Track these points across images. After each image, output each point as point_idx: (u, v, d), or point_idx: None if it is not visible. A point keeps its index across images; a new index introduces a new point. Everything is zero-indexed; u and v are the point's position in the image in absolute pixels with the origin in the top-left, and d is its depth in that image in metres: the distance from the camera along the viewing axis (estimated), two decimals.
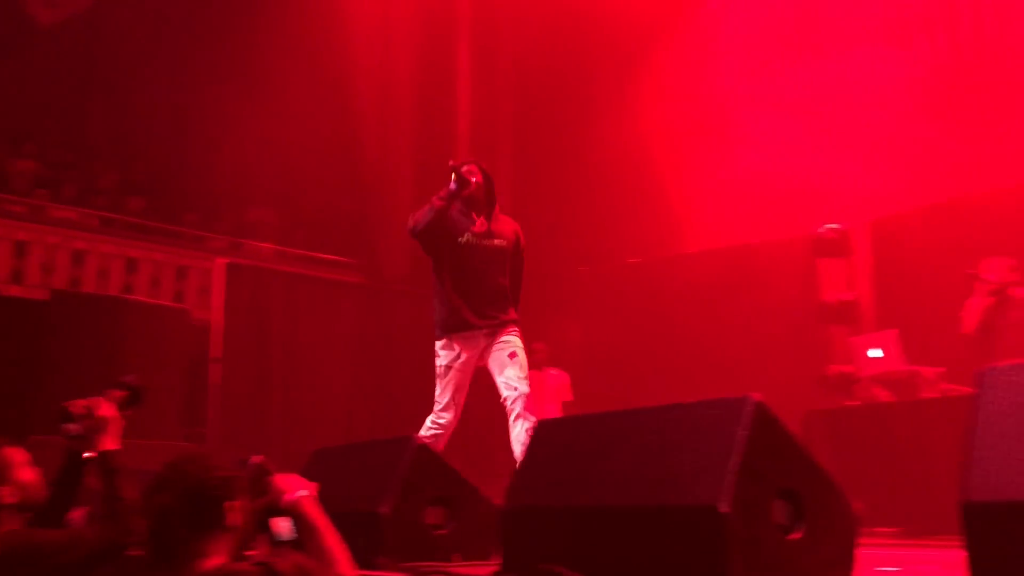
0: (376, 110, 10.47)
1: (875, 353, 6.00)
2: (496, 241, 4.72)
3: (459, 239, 4.64)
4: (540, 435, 3.25)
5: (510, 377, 4.55)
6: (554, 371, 8.05)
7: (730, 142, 9.06)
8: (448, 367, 4.60)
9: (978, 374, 2.13)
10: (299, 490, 2.19)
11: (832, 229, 7.94)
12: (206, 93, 11.16)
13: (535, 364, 8.10)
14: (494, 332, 4.64)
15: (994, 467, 1.88)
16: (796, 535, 2.42)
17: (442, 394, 4.60)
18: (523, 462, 3.22)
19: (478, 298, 4.63)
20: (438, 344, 4.65)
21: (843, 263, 8.03)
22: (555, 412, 7.69)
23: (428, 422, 4.61)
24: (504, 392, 4.54)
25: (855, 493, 2.65)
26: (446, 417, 4.57)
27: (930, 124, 7.76)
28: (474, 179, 4.62)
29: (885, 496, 5.25)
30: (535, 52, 10.44)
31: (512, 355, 4.60)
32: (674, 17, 9.64)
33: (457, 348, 4.60)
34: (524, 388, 4.53)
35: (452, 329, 4.61)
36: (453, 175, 4.55)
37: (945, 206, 7.54)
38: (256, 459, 4.33)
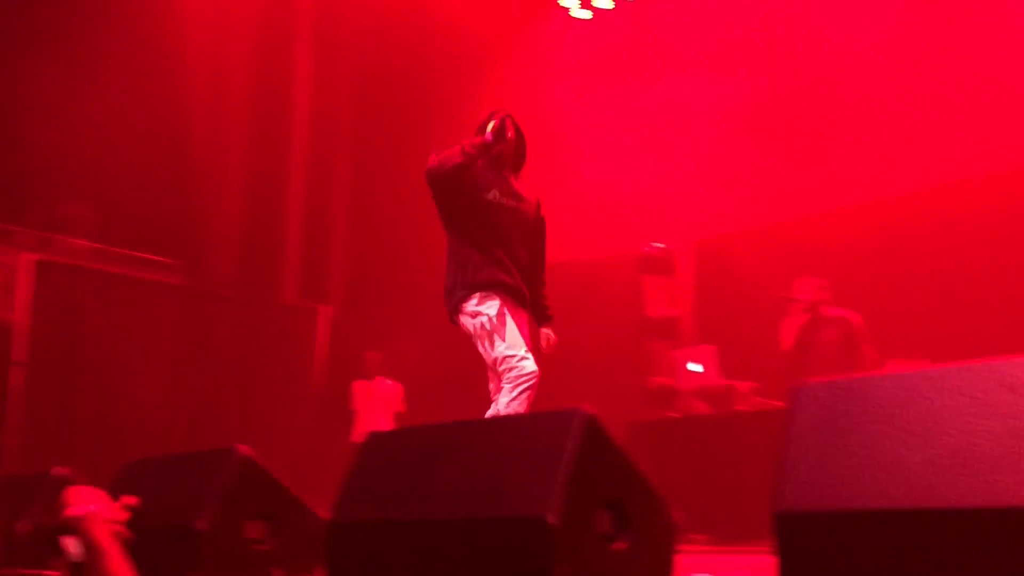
0: (208, 106, 10.05)
1: (694, 367, 6.27)
2: (522, 205, 4.19)
3: (486, 195, 4.07)
4: (370, 446, 3.18)
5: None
6: (387, 381, 7.97)
7: (565, 159, 9.28)
8: (501, 313, 3.88)
9: (791, 390, 2.24)
10: (85, 504, 1.99)
11: (657, 248, 8.25)
12: (14, 69, 10.37)
13: (366, 373, 8.01)
14: (517, 301, 4.05)
15: (804, 479, 1.98)
16: (620, 545, 2.47)
17: (512, 343, 3.83)
18: (351, 474, 3.15)
19: (504, 261, 4.04)
20: (471, 302, 3.94)
21: (667, 281, 8.37)
22: (387, 423, 7.61)
23: (510, 387, 3.77)
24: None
25: (675, 502, 2.75)
26: (532, 363, 3.81)
27: (753, 150, 8.23)
28: (510, 134, 4.13)
29: (702, 504, 5.48)
30: (377, 60, 10.35)
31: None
32: (515, 34, 9.80)
33: (497, 297, 3.93)
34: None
35: (484, 286, 3.96)
36: (491, 124, 4.00)
37: (763, 230, 8.01)
38: (59, 471, 4.04)
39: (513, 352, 3.80)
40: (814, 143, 8.03)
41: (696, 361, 6.28)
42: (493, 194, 4.09)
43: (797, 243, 7.62)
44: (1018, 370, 1.71)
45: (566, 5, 9.50)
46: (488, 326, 3.87)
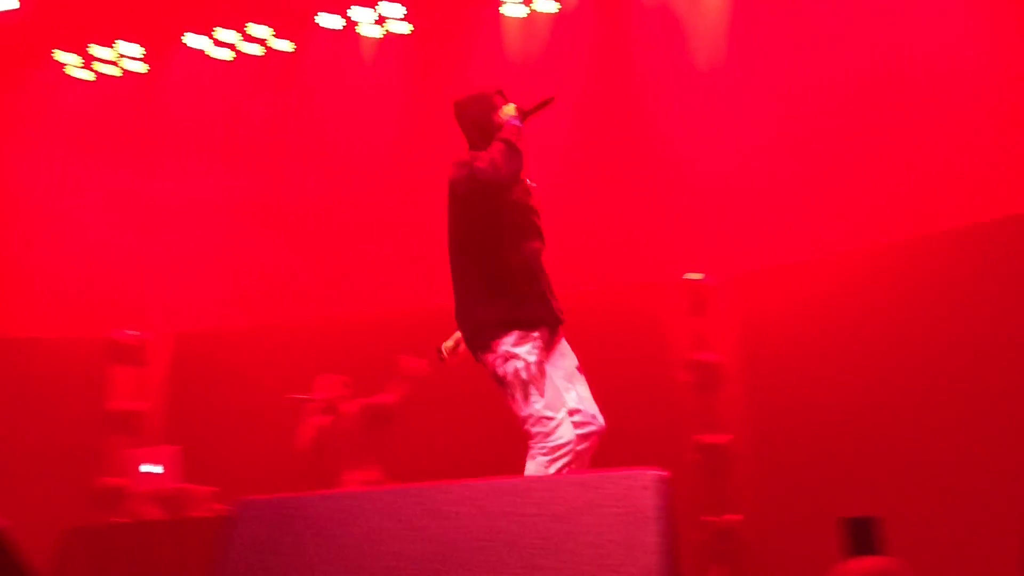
0: None
1: (151, 468, 5.89)
2: (535, 201, 3.53)
3: (512, 196, 3.39)
4: None
5: (586, 399, 3.37)
6: None
7: (35, 222, 8.32)
8: (540, 362, 3.27)
9: (237, 502, 2.17)
10: None
11: (131, 335, 7.75)
12: None
13: None
14: (554, 329, 3.45)
15: None
16: None
17: (550, 403, 3.22)
18: None
19: (541, 281, 3.43)
20: (506, 341, 3.27)
21: (136, 372, 7.84)
22: None
23: (545, 461, 3.15)
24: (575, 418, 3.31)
25: None
26: (570, 429, 3.22)
27: (258, 248, 7.99)
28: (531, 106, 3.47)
29: None
30: None
31: (581, 369, 3.44)
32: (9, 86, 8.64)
33: (539, 338, 3.32)
34: (602, 420, 3.37)
35: (525, 323, 3.30)
36: (510, 107, 3.40)
37: (252, 329, 7.83)
38: None
39: (551, 414, 3.23)
40: (307, 252, 8.04)
41: (154, 461, 5.89)
42: (517, 191, 3.44)
43: (289, 345, 7.55)
44: (442, 496, 1.82)
45: (63, 61, 8.66)
46: (524, 375, 3.25)
